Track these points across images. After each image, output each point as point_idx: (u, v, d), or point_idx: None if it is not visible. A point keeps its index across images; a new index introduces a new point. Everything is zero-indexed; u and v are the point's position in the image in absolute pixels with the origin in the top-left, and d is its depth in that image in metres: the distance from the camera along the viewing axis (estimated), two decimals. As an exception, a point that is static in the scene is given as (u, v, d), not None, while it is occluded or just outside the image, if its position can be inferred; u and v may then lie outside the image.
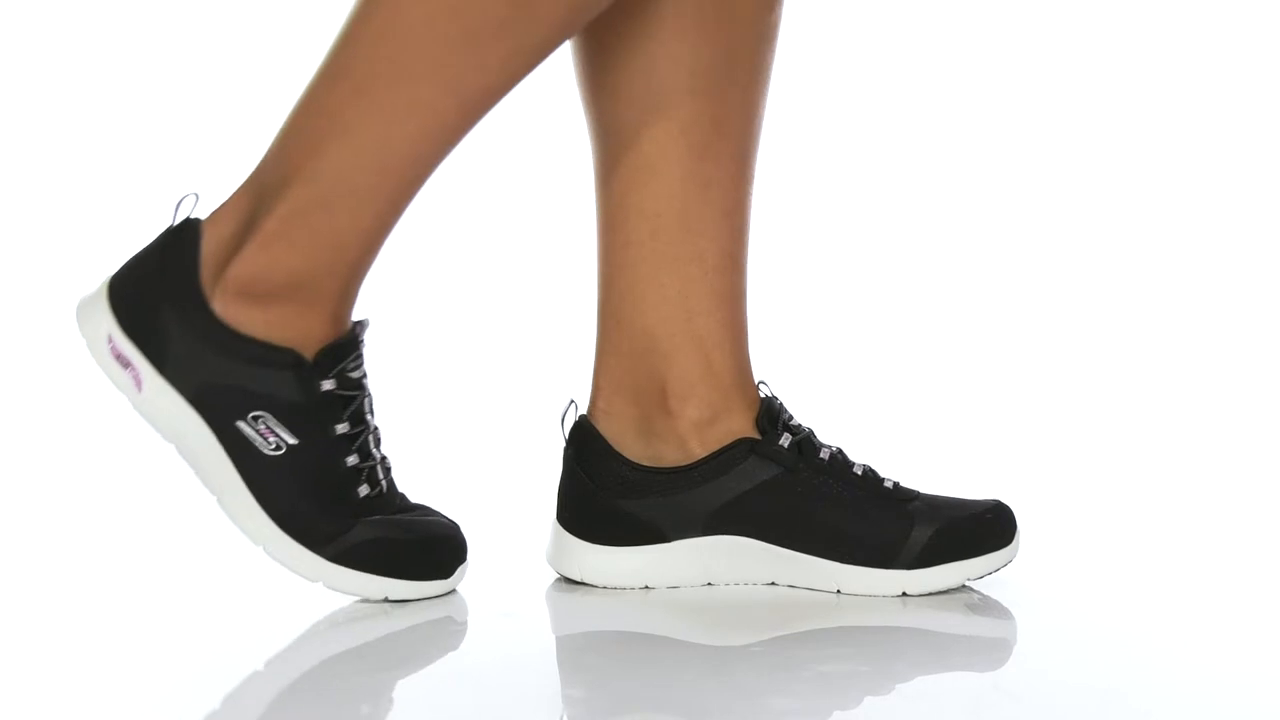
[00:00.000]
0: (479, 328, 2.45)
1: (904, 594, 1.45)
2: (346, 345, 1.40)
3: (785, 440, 1.47)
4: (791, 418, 1.50)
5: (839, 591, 1.46)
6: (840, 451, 1.49)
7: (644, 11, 1.44)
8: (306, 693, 1.25)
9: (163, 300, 1.40)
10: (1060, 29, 2.89)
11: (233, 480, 1.40)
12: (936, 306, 2.69)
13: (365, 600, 1.42)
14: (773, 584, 1.47)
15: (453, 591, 1.45)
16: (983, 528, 1.47)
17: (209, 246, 1.40)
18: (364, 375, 1.42)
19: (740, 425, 1.48)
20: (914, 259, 2.77)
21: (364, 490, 1.42)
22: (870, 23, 2.84)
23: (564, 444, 1.50)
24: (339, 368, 1.40)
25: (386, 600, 1.42)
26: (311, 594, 1.45)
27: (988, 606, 1.44)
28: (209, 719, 1.20)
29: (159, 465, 1.98)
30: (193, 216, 1.41)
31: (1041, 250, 2.78)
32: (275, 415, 1.39)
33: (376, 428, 1.44)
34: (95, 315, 1.42)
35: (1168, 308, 2.67)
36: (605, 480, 1.48)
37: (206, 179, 2.80)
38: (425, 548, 1.44)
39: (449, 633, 1.39)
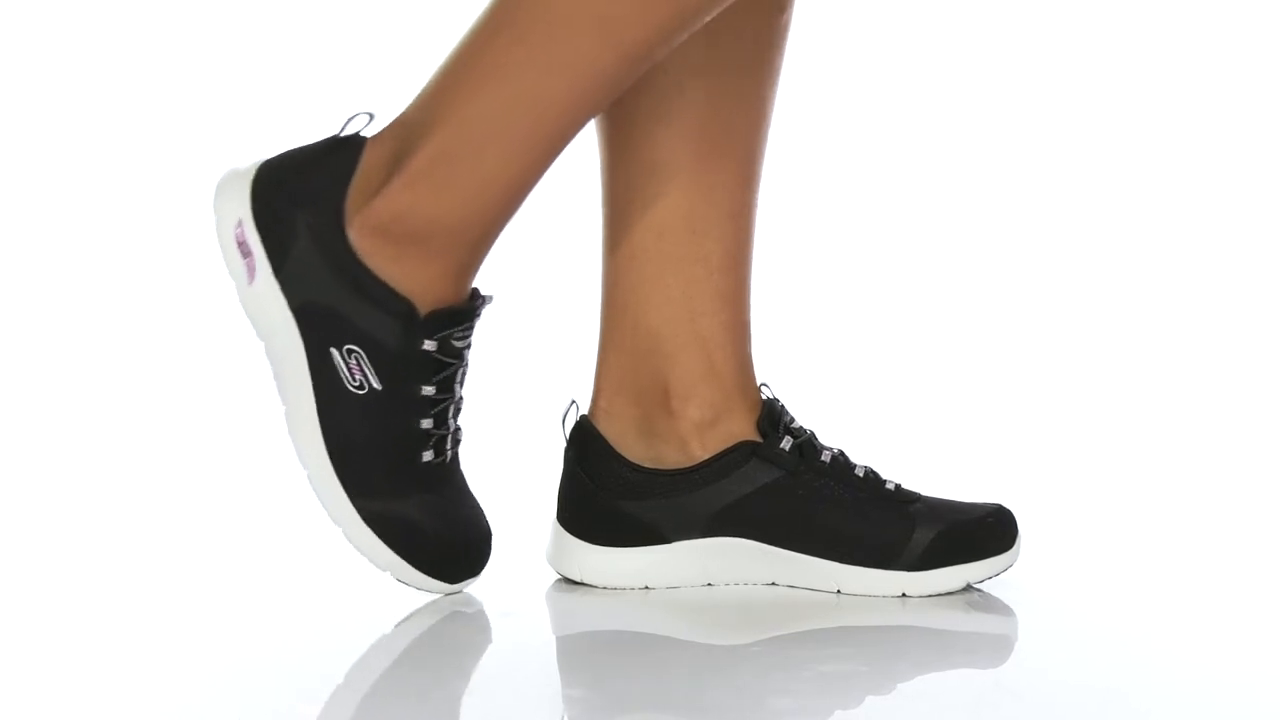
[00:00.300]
0: (480, 327, 2.44)
1: (904, 595, 1.45)
2: (460, 314, 1.40)
3: (787, 443, 1.47)
4: (793, 420, 1.49)
5: (839, 592, 1.46)
6: (842, 454, 1.49)
7: None
8: (302, 692, 1.24)
9: (304, 205, 1.39)
10: (1063, 31, 2.89)
11: (305, 399, 1.39)
12: (938, 309, 2.69)
13: (372, 568, 1.41)
14: (773, 584, 1.47)
15: (459, 591, 1.45)
16: (984, 531, 1.47)
17: (363, 170, 1.39)
18: (468, 346, 1.41)
19: (742, 427, 1.48)
20: (917, 262, 2.77)
21: (428, 456, 1.41)
22: (877, 27, 2.83)
23: (565, 444, 1.50)
24: (445, 333, 1.39)
25: (396, 579, 1.41)
26: (310, 594, 1.45)
27: (989, 605, 1.44)
28: (197, 716, 1.20)
29: (159, 465, 1.98)
30: (360, 135, 1.40)
31: (1043, 254, 2.77)
32: (369, 356, 1.39)
33: (461, 398, 1.43)
34: (234, 195, 1.41)
35: (1168, 310, 2.67)
36: (606, 481, 1.48)
37: (206, 179, 2.80)
38: (456, 550, 1.43)
39: (449, 632, 1.39)
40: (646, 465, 1.48)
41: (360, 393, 1.39)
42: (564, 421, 1.50)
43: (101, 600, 1.47)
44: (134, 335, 2.56)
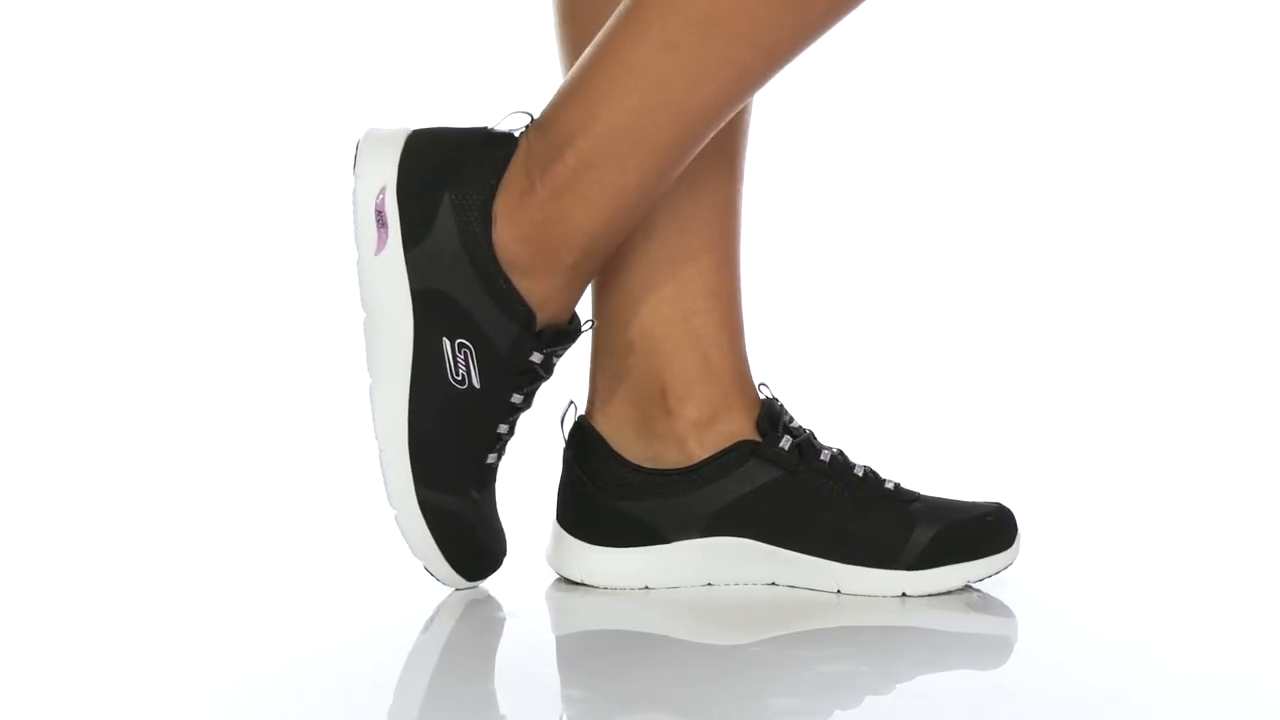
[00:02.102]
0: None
1: (904, 594, 1.45)
2: (568, 335, 1.41)
3: (786, 442, 1.47)
4: (792, 419, 1.49)
5: (839, 592, 1.46)
6: (841, 453, 1.49)
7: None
8: (301, 692, 1.24)
9: (453, 189, 1.39)
10: (1058, 29, 2.89)
11: (400, 381, 1.39)
12: (938, 308, 2.69)
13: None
14: (773, 584, 1.47)
15: (473, 587, 1.46)
16: (984, 530, 1.47)
17: (513, 169, 1.39)
18: (557, 363, 1.43)
19: (740, 426, 1.48)
20: (914, 259, 2.77)
21: (491, 458, 1.43)
22: (862, 20, 2.84)
23: (564, 445, 1.50)
24: (553, 349, 1.40)
25: (424, 568, 1.43)
26: (310, 594, 1.45)
27: (988, 605, 1.44)
28: (201, 713, 1.20)
29: (160, 464, 1.98)
30: (514, 134, 1.40)
31: (1042, 252, 2.77)
32: (479, 354, 1.39)
33: (520, 412, 1.45)
34: (382, 161, 1.40)
35: (1167, 310, 2.67)
36: (605, 481, 1.48)
37: (206, 178, 2.80)
38: (488, 552, 1.45)
39: (449, 632, 1.39)
40: (645, 465, 1.48)
41: (460, 387, 1.40)
42: (562, 422, 1.50)
43: (100, 600, 1.47)
44: (135, 335, 2.56)
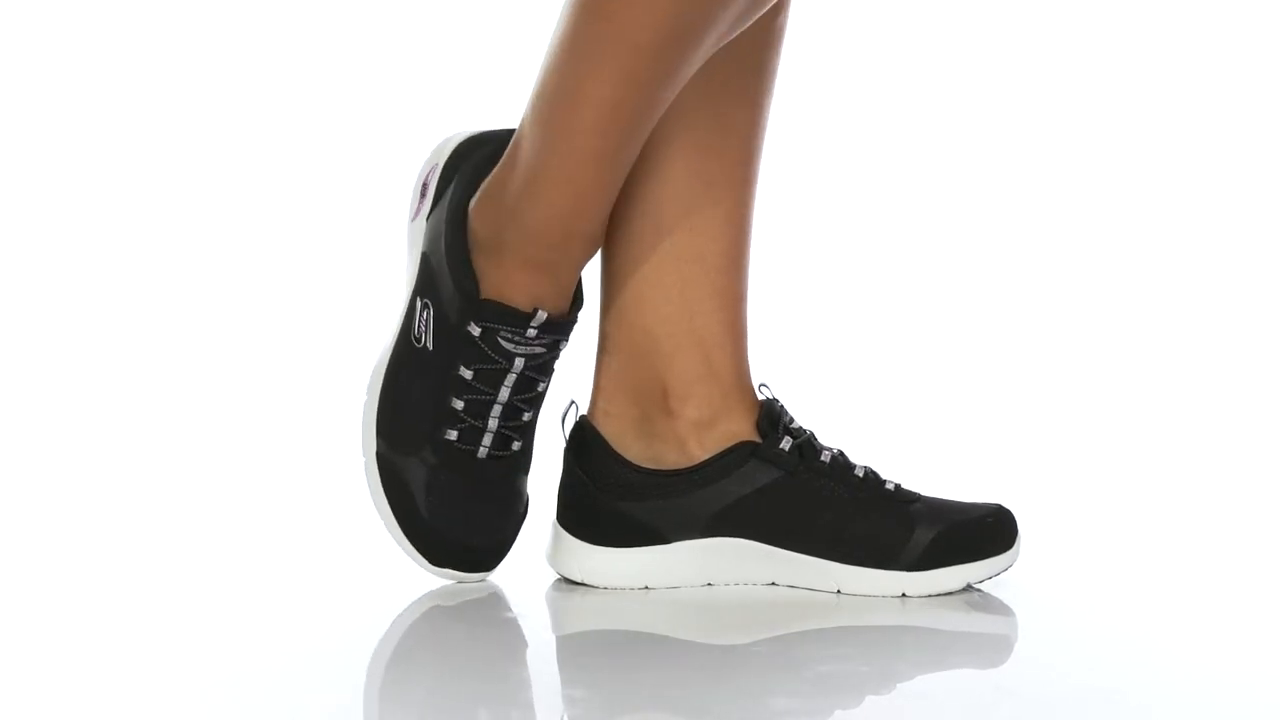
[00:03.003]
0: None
1: (904, 595, 1.45)
2: (511, 315, 1.44)
3: (786, 443, 1.47)
4: (792, 420, 1.49)
5: (839, 592, 1.46)
6: (841, 454, 1.49)
7: None
8: (300, 693, 1.24)
9: (466, 166, 1.49)
10: (1060, 31, 2.89)
11: (392, 334, 1.49)
12: (938, 309, 2.69)
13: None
14: (773, 584, 1.47)
15: (484, 578, 1.47)
16: (984, 531, 1.47)
17: (507, 153, 1.46)
18: (524, 355, 1.44)
19: (740, 427, 1.48)
20: (916, 261, 2.76)
21: (452, 435, 1.45)
22: (875, 26, 2.83)
23: (564, 444, 1.50)
24: (493, 325, 1.43)
25: (391, 537, 1.47)
26: (309, 595, 1.45)
27: (988, 606, 1.44)
28: (199, 710, 1.20)
29: (159, 464, 1.98)
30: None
31: (1042, 253, 2.77)
32: (435, 316, 1.46)
33: (524, 414, 1.46)
34: (446, 145, 1.51)
35: (1167, 310, 2.67)
36: (605, 482, 1.48)
37: (205, 178, 2.79)
38: (442, 535, 1.46)
39: (449, 632, 1.39)
40: (645, 466, 1.48)
41: (417, 345, 1.46)
42: (563, 421, 1.50)
43: (99, 599, 1.47)
44: (134, 334, 2.56)
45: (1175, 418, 2.25)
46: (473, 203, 1.46)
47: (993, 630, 1.41)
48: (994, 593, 1.46)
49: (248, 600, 1.46)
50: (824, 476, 1.47)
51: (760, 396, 1.50)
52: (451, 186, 1.48)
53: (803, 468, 1.47)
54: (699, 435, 1.48)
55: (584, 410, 1.51)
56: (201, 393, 2.34)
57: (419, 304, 1.46)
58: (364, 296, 2.60)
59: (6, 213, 2.73)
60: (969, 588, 1.46)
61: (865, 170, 2.83)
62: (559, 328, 1.45)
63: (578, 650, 1.38)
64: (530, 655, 1.35)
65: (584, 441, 1.49)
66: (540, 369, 1.46)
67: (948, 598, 1.45)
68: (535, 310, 1.43)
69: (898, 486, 1.48)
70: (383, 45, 2.77)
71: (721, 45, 1.41)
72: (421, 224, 1.49)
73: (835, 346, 2.57)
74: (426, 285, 1.46)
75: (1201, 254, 2.76)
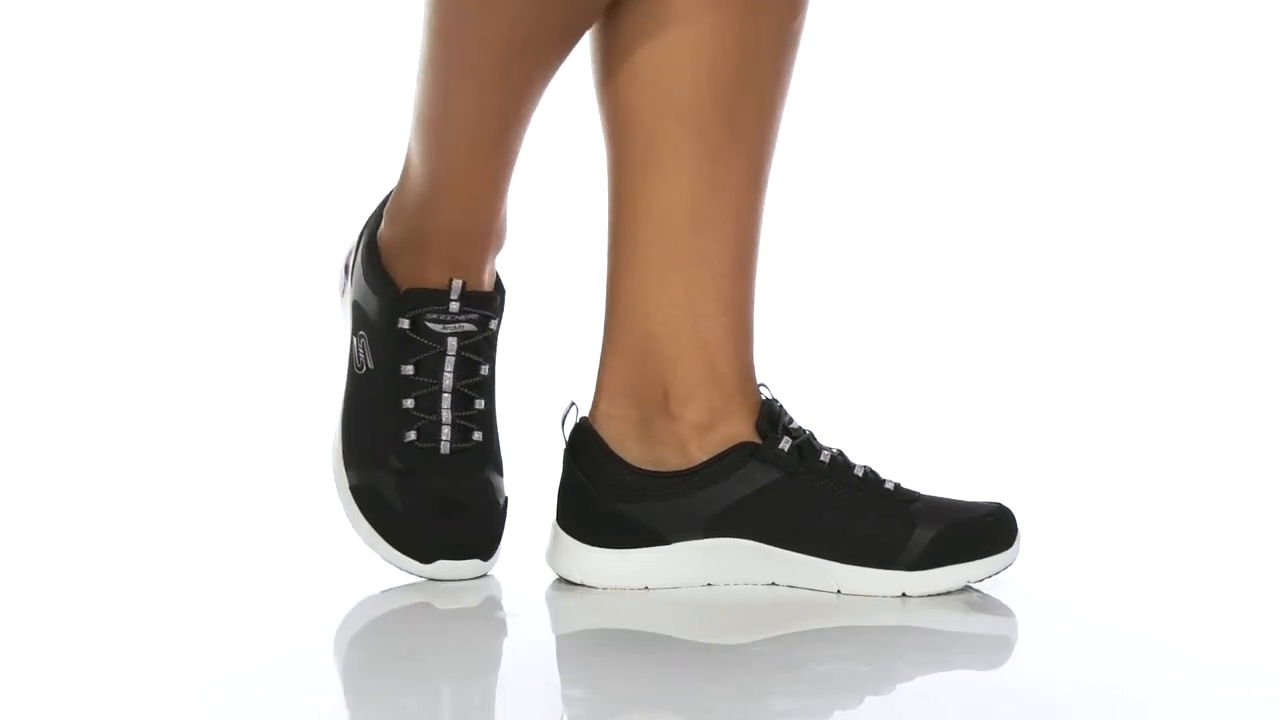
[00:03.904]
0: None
1: (904, 595, 1.45)
2: (431, 295, 1.48)
3: (785, 444, 1.47)
4: (792, 420, 1.49)
5: (839, 592, 1.46)
6: (841, 453, 1.49)
7: (666, 2, 1.44)
8: (299, 693, 1.24)
9: (374, 215, 1.55)
10: (1064, 32, 2.89)
11: (344, 384, 1.53)
12: (938, 309, 2.69)
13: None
14: (773, 584, 1.47)
15: (483, 572, 1.48)
16: (984, 531, 1.47)
17: (397, 186, 1.53)
18: (453, 334, 1.48)
19: (741, 429, 1.48)
20: (914, 260, 2.77)
21: (411, 436, 1.48)
22: (883, 34, 2.83)
23: (564, 446, 1.50)
24: (418, 311, 1.47)
25: (380, 557, 1.49)
26: (308, 594, 1.45)
27: (988, 606, 1.44)
28: (188, 712, 1.20)
29: (158, 463, 1.98)
30: None
31: (1042, 254, 2.77)
32: (369, 338, 1.50)
33: (476, 401, 1.49)
34: (357, 230, 1.57)
35: (1167, 309, 2.67)
36: (604, 483, 1.48)
37: (206, 178, 2.79)
38: (425, 526, 1.47)
39: (449, 632, 1.39)
40: (646, 468, 1.48)
41: (360, 373, 1.50)
42: (563, 423, 1.50)
43: (99, 599, 1.47)
44: (134, 334, 2.57)
45: (1175, 418, 2.25)
46: (380, 230, 1.52)
47: (993, 630, 1.41)
48: (994, 593, 1.46)
49: (243, 602, 1.46)
50: (823, 477, 1.47)
51: (760, 397, 1.50)
52: (362, 234, 1.54)
53: (802, 468, 1.47)
54: (700, 438, 1.48)
55: (585, 411, 1.51)
56: (199, 393, 2.34)
57: (355, 341, 1.51)
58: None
59: (6, 213, 2.73)
60: (968, 587, 1.46)
61: (866, 172, 2.83)
62: (482, 301, 1.48)
63: (578, 650, 1.38)
64: (530, 655, 1.35)
65: (584, 443, 1.49)
66: (475, 349, 1.49)
67: (948, 597, 1.45)
68: (451, 280, 1.47)
69: (897, 486, 1.48)
70: (382, 45, 2.78)
71: (576, 40, 1.43)
72: (347, 293, 1.54)
73: (835, 346, 2.57)
74: (359, 321, 1.51)
75: (1198, 254, 2.76)
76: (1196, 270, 2.74)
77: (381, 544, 1.48)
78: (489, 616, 1.42)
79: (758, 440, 1.47)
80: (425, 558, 1.47)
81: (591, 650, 1.37)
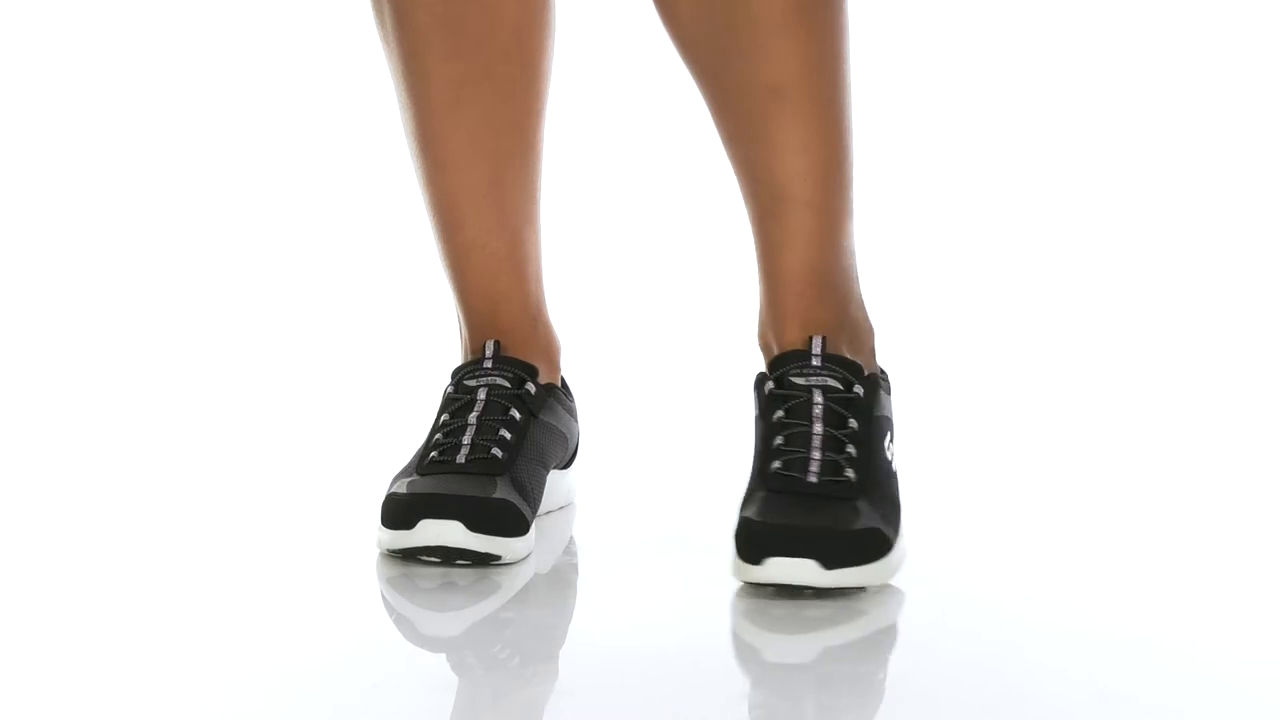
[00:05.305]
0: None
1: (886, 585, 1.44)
2: (470, 364, 1.59)
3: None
4: None
5: (839, 591, 1.46)
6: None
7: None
8: (299, 693, 1.25)
9: None
10: (1063, 31, 2.89)
11: None
12: (937, 309, 2.69)
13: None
14: (772, 584, 1.46)
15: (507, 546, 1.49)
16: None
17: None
18: (480, 385, 1.57)
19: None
20: (913, 259, 2.77)
21: (432, 455, 1.55)
22: (884, 33, 2.84)
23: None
24: (458, 366, 1.60)
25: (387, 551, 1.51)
26: (308, 594, 1.45)
27: (988, 606, 1.44)
28: (198, 712, 1.20)
29: (161, 465, 1.98)
30: None
31: (1041, 254, 2.78)
32: None
33: (497, 428, 1.55)
34: None
35: (1165, 309, 2.68)
36: None
37: (206, 179, 2.80)
38: (408, 504, 1.50)
39: (449, 633, 1.39)
40: None
41: None
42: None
43: (98, 599, 1.47)
44: (133, 334, 2.57)
45: (1174, 418, 2.26)
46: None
47: (993, 630, 1.41)
48: (992, 593, 1.46)
49: (243, 602, 1.46)
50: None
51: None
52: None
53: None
54: None
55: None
56: (196, 393, 2.34)
57: None
58: (362, 296, 2.60)
59: (5, 213, 2.74)
60: (968, 587, 1.46)
61: (866, 172, 2.84)
62: (516, 364, 1.58)
63: (578, 650, 1.38)
64: (530, 655, 1.35)
65: None
66: (507, 399, 1.56)
67: (948, 597, 1.45)
68: (487, 346, 1.59)
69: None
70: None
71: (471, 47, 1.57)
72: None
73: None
74: None
75: (1197, 254, 2.77)
76: (1192, 270, 2.74)
77: (390, 536, 1.50)
78: (489, 616, 1.42)
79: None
80: (435, 513, 1.49)
81: (591, 650, 1.37)
